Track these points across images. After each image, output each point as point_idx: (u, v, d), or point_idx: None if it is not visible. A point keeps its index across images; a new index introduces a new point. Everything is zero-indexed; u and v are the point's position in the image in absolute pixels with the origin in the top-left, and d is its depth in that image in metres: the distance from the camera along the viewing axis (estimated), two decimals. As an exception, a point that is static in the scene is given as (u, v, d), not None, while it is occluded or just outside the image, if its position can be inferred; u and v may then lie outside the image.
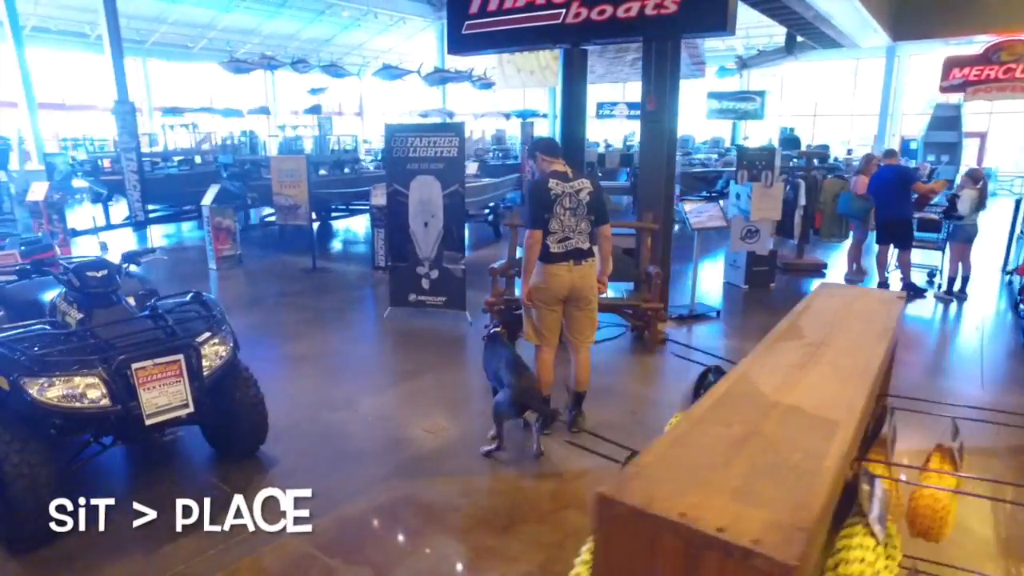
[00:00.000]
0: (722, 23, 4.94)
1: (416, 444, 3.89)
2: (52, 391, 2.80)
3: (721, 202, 6.97)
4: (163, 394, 3.01)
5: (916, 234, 8.44)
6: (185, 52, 22.51)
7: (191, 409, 3.08)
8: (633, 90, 27.46)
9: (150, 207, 11.04)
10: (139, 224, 10.10)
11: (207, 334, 3.33)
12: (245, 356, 5.22)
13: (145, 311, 3.43)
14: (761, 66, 17.89)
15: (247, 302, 7.40)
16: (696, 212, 6.44)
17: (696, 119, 24.65)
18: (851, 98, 23.25)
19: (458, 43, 6.33)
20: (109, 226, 10.71)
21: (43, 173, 13.93)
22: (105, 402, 2.87)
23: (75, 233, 10.03)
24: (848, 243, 8.34)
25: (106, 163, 12.14)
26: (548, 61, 15.38)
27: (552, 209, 3.70)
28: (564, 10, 5.59)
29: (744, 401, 0.91)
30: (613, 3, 5.34)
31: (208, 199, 8.69)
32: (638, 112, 22.22)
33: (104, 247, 10.20)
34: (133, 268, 4.56)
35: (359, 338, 6.06)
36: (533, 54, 15.43)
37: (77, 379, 2.83)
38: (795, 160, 11.24)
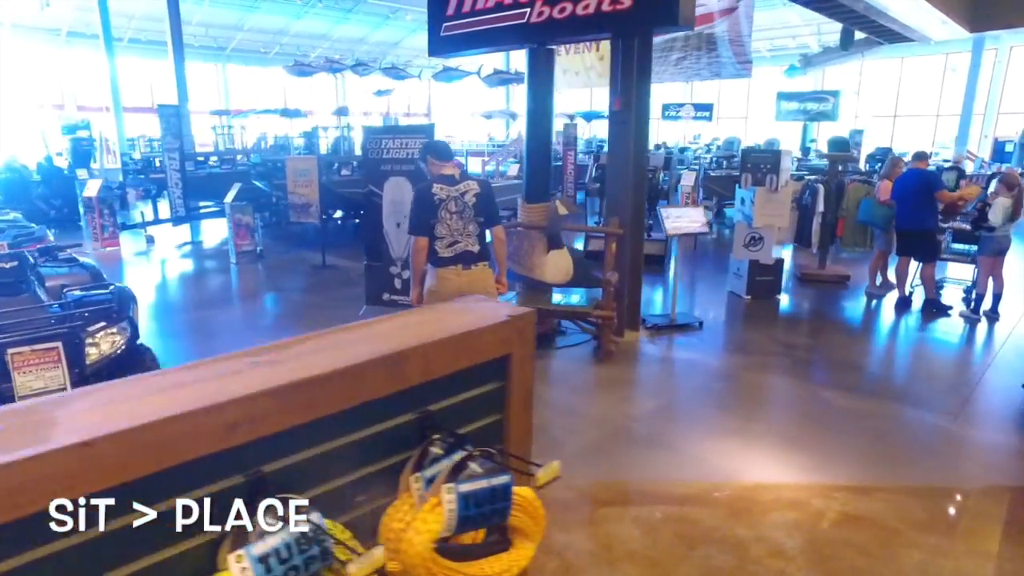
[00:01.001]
0: (674, 16, 4.69)
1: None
2: (-66, 370, 3.05)
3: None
4: (39, 378, 3.20)
5: (952, 246, 7.69)
6: (261, 57, 23.88)
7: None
8: (701, 91, 26.56)
9: (202, 204, 11.83)
10: (179, 219, 10.80)
11: (102, 323, 3.51)
12: (210, 347, 5.50)
13: (59, 300, 3.68)
14: (827, 64, 16.76)
15: (245, 295, 7.76)
16: (674, 216, 6.14)
17: (766, 121, 23.53)
18: (938, 97, 21.36)
19: (437, 44, 6.36)
20: (156, 221, 11.54)
21: (118, 172, 15.24)
22: (-20, 383, 3.09)
23: (124, 227, 10.88)
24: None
25: (157, 161, 13.07)
26: (593, 62, 15.11)
27: (437, 214, 3.69)
28: (529, 9, 5.49)
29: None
30: (573, 1, 5.20)
31: (230, 197, 9.17)
32: (707, 113, 21.35)
33: (150, 240, 11.03)
34: (85, 259, 4.92)
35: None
36: (577, 55, 15.23)
37: (-47, 361, 3.06)
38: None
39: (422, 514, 1.15)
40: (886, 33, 12.58)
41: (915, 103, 22.02)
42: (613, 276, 5.33)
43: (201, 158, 12.16)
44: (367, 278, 6.64)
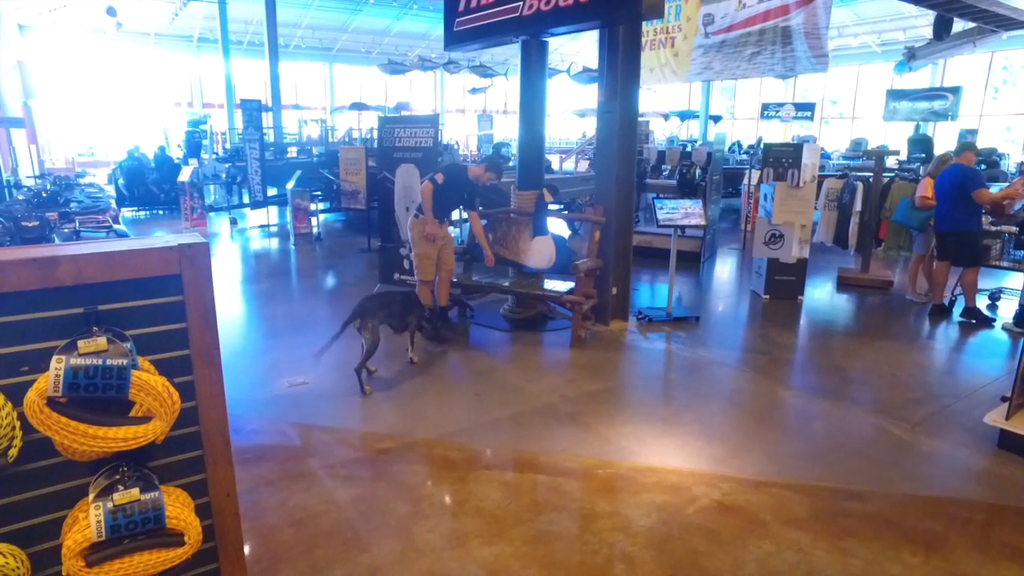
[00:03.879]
0: (637, 7, 4.69)
1: (267, 391, 4.40)
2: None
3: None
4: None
5: (1015, 252, 6.96)
6: (364, 57, 25.43)
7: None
8: (803, 89, 25.03)
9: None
10: (257, 203, 11.93)
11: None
12: (236, 313, 6.24)
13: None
14: (934, 57, 15.22)
15: (288, 271, 8.49)
16: (670, 208, 6.05)
17: (875, 121, 21.87)
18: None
19: (452, 39, 6.67)
20: (241, 204, 12.79)
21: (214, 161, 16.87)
22: None
23: (210, 208, 12.18)
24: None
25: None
26: (668, 58, 14.78)
27: None
28: (521, 2, 5.68)
29: None
30: (557, -8, 5.31)
31: (291, 184, 10.04)
32: (808, 113, 20.45)
33: (234, 221, 12.27)
34: (118, 228, 5.72)
35: (334, 306, 6.71)
36: (653, 52, 14.95)
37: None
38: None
39: (41, 377, 1.47)
40: (992, 18, 11.34)
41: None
42: (583, 264, 5.39)
43: (271, 150, 13.26)
44: (380, 259, 7.11)
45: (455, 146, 17.40)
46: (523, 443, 3.75)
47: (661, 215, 5.98)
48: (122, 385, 1.52)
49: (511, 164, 17.07)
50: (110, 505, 1.53)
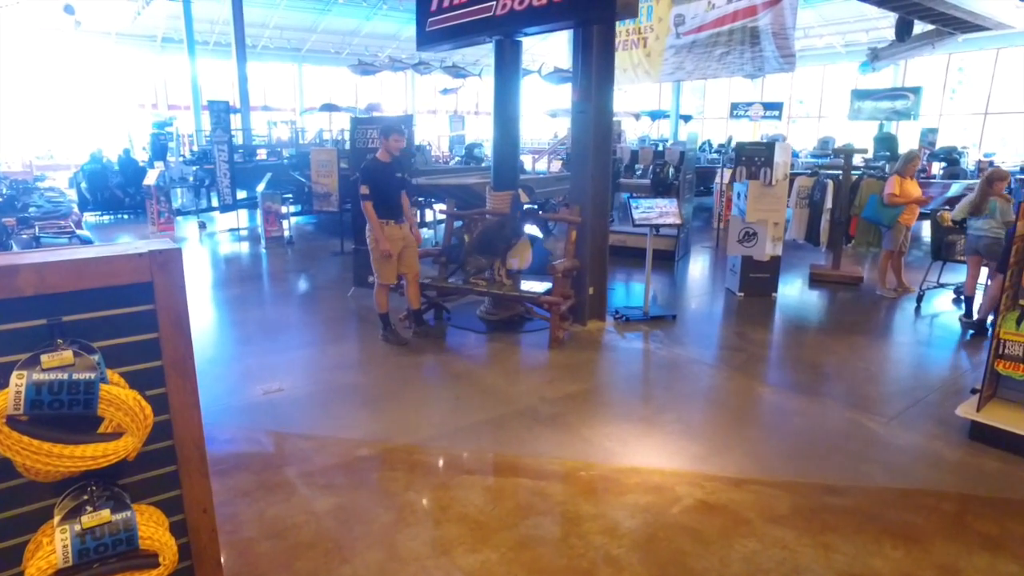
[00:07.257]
0: (611, 7, 4.69)
1: (241, 399, 4.29)
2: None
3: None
4: None
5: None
6: (334, 57, 25.13)
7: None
8: (771, 89, 25.45)
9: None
10: (227, 207, 11.67)
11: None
12: (207, 320, 6.09)
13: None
14: (896, 58, 15.64)
15: (259, 276, 8.32)
16: (646, 207, 6.07)
17: (840, 120, 22.32)
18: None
19: (424, 39, 6.60)
20: (209, 208, 12.51)
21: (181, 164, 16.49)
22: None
23: (178, 212, 11.88)
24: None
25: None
26: (640, 59, 14.92)
27: None
28: (494, 2, 5.64)
29: None
30: (530, -9, 5.29)
31: (261, 187, 9.84)
32: (776, 112, 20.74)
33: (203, 225, 11.98)
34: (82, 233, 5.54)
35: (306, 311, 6.60)
36: (625, 52, 15.07)
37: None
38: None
39: (0, 394, 1.38)
40: (951, 21, 11.66)
41: (1013, 99, 20.13)
42: (560, 264, 5.37)
43: (240, 152, 13.01)
44: (354, 262, 7.01)
45: (428, 147, 17.28)
46: (504, 446, 3.71)
47: (637, 214, 5.99)
48: (90, 400, 1.44)
49: (484, 164, 17.10)
50: (77, 528, 1.45)
